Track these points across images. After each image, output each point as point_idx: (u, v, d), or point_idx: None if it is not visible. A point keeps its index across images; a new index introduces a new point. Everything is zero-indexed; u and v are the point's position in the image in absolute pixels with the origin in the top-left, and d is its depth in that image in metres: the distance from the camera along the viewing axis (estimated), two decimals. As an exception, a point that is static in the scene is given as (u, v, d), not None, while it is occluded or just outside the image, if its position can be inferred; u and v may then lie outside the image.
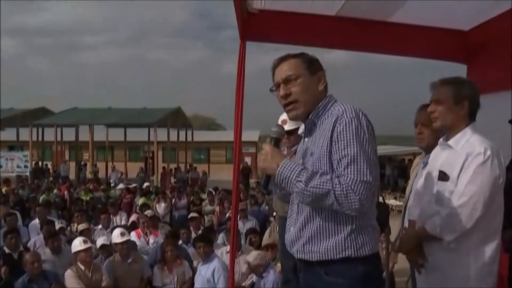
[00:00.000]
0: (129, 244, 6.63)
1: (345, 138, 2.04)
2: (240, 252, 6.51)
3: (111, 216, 10.05)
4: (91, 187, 16.75)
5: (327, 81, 2.29)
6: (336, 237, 2.11)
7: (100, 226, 9.11)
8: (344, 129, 2.05)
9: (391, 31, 4.20)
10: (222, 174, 27.09)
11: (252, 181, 22.68)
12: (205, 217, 11.17)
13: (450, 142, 2.63)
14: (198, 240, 6.42)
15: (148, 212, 9.42)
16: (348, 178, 1.98)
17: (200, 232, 8.25)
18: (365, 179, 1.98)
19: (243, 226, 8.95)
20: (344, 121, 2.06)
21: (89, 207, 12.09)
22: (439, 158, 2.71)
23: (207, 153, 38.98)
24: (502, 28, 3.82)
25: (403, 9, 3.88)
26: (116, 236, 6.48)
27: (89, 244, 6.14)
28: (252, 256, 5.96)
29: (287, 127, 4.38)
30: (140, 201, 12.87)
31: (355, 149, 2.01)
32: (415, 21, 4.19)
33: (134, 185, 16.35)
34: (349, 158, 2.01)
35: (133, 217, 10.34)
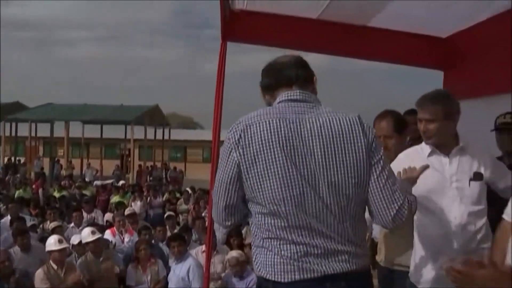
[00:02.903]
0: (101, 242, 6.55)
1: None
2: (215, 252, 6.50)
3: (85, 214, 9.93)
4: (66, 184, 16.51)
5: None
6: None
7: (72, 224, 8.99)
8: None
9: (370, 36, 4.24)
10: (199, 173, 26.97)
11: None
12: (180, 216, 11.12)
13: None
14: (172, 239, 6.42)
15: (129, 209, 9.35)
16: None
17: (175, 231, 8.22)
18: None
19: (219, 226, 8.92)
20: None
21: (62, 204, 11.90)
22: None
23: (184, 152, 38.80)
24: (480, 36, 3.90)
25: (383, 14, 3.92)
26: (87, 235, 6.40)
27: (64, 244, 6.05)
28: (238, 253, 6.13)
29: None
30: (115, 199, 12.74)
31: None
32: (394, 27, 4.24)
33: (110, 181, 16.11)
34: None
35: (108, 215, 10.24)
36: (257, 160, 1.88)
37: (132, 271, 6.50)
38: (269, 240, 1.90)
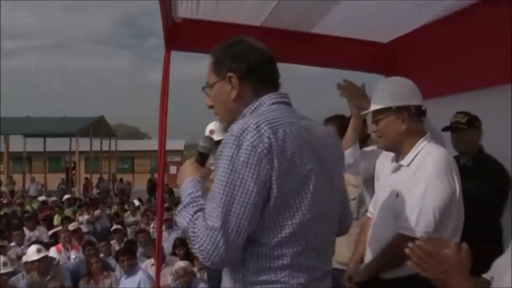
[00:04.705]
0: (47, 260, 6.31)
1: (217, 165, 1.58)
2: (164, 264, 6.40)
3: (28, 232, 9.52)
4: (5, 201, 15.81)
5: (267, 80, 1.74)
6: (231, 286, 1.66)
7: (13, 243, 8.57)
8: (219, 153, 1.57)
9: (314, 42, 4.29)
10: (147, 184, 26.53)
11: (177, 190, 22.34)
12: (128, 229, 10.90)
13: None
14: (121, 254, 6.25)
15: (73, 225, 9.06)
16: (200, 220, 1.54)
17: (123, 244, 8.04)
18: (210, 223, 1.49)
19: (168, 237, 8.79)
20: (222, 142, 1.57)
21: (3, 222, 11.34)
22: None
23: (132, 163, 38.10)
24: (419, 41, 4.02)
25: (326, 21, 3.98)
26: (32, 253, 6.14)
27: (9, 268, 5.79)
28: (186, 263, 6.07)
29: (215, 138, 4.35)
30: (57, 215, 12.33)
31: (216, 181, 1.54)
32: (337, 33, 4.31)
33: (53, 199, 15.54)
34: (211, 192, 1.56)
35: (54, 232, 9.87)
36: (292, 170, 1.54)
37: (84, 286, 6.29)
38: (278, 270, 1.57)
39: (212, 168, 3.72)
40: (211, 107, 1.84)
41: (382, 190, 2.55)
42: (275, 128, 1.54)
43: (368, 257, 2.55)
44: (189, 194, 1.66)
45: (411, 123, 2.40)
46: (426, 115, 2.47)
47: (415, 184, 2.31)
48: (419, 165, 2.33)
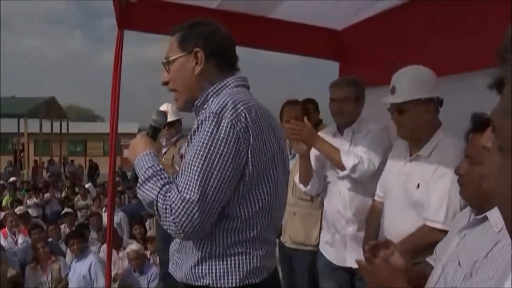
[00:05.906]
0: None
1: (192, 140, 1.63)
2: (122, 247, 6.34)
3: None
4: None
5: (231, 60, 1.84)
6: (193, 260, 1.71)
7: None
8: (196, 129, 1.62)
9: (271, 26, 4.30)
10: (100, 167, 26.00)
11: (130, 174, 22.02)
12: (79, 212, 10.70)
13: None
14: (71, 237, 6.13)
15: (19, 209, 8.82)
16: (172, 192, 1.57)
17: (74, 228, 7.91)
18: (187, 196, 1.54)
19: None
20: (200, 119, 1.63)
21: None
22: None
23: (84, 145, 37.23)
24: (371, 29, 4.09)
25: (283, 6, 3.99)
26: None
27: None
28: (138, 245, 6.05)
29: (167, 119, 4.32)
30: (6, 197, 11.95)
31: (193, 154, 1.58)
32: (294, 18, 4.32)
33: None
34: (185, 165, 1.59)
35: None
36: (263, 149, 1.64)
37: (30, 273, 6.13)
38: (244, 242, 1.67)
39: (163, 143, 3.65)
40: (166, 83, 1.85)
41: (396, 178, 2.60)
42: (249, 108, 1.64)
43: None
44: (150, 167, 1.69)
45: (433, 114, 2.47)
46: (442, 105, 2.53)
47: (440, 177, 2.37)
48: (441, 157, 2.39)
